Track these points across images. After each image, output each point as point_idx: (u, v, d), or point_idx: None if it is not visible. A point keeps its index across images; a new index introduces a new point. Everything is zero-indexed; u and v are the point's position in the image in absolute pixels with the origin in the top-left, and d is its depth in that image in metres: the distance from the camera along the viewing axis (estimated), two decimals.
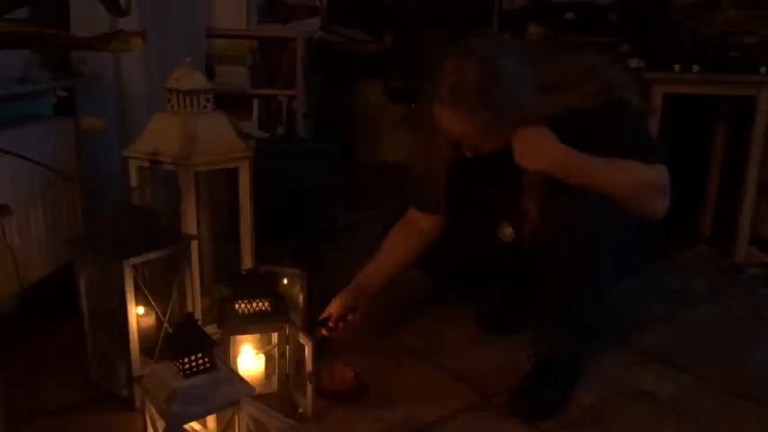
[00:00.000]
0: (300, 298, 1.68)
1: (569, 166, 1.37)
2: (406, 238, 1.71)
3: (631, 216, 1.42)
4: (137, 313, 1.40)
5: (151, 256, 1.40)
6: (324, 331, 1.59)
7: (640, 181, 1.40)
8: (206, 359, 1.12)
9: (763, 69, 2.15)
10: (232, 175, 1.65)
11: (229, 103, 2.74)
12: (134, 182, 1.59)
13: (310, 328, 1.58)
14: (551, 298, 1.50)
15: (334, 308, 1.61)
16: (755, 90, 2.19)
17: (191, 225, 1.56)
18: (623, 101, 1.44)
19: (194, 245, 1.54)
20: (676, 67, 2.20)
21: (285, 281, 1.71)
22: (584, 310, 1.50)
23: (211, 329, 1.46)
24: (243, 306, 1.43)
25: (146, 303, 1.44)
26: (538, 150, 1.38)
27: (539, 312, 1.54)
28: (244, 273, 1.62)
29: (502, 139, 1.42)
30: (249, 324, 1.43)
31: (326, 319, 1.60)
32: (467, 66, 1.37)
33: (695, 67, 2.18)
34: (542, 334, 1.57)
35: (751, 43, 2.49)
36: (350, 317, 1.62)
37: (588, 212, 1.38)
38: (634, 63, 2.32)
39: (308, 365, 1.38)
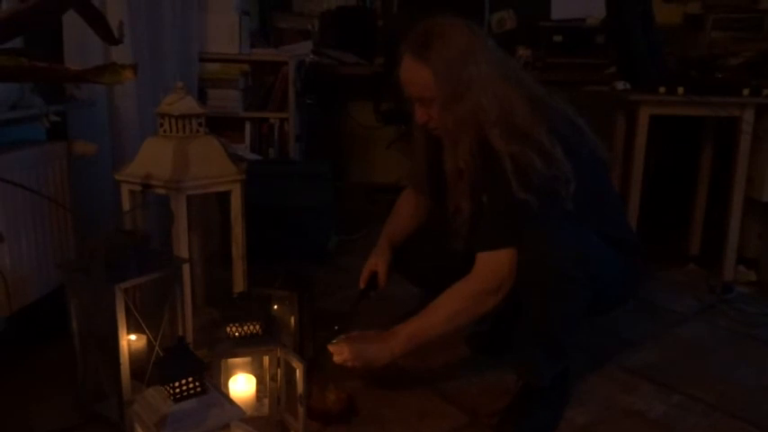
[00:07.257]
0: (292, 320, 1.68)
1: (398, 354, 1.50)
2: (413, 200, 1.80)
3: (608, 248, 1.46)
4: (128, 337, 1.40)
5: (143, 279, 1.40)
6: (370, 293, 1.74)
7: (463, 308, 1.47)
8: (196, 383, 1.12)
9: (746, 91, 2.19)
10: (224, 197, 1.67)
11: (222, 126, 2.77)
12: (126, 206, 1.60)
13: (300, 350, 1.58)
14: (526, 328, 1.49)
15: (378, 267, 1.72)
16: (739, 111, 2.22)
17: (182, 248, 1.56)
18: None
19: (186, 268, 1.54)
20: (662, 89, 2.23)
21: (276, 304, 1.72)
22: (559, 338, 1.48)
23: (202, 353, 1.46)
24: (234, 329, 1.43)
25: (137, 327, 1.44)
26: (369, 357, 1.51)
27: (516, 341, 1.54)
28: (235, 296, 1.62)
29: (448, 119, 1.43)
30: (240, 347, 1.43)
31: (372, 283, 1.73)
32: (455, 26, 1.41)
33: (680, 89, 2.21)
34: (521, 363, 1.55)
35: (735, 65, 2.54)
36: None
37: (553, 247, 1.37)
38: (620, 85, 2.35)
39: (300, 388, 1.38)
